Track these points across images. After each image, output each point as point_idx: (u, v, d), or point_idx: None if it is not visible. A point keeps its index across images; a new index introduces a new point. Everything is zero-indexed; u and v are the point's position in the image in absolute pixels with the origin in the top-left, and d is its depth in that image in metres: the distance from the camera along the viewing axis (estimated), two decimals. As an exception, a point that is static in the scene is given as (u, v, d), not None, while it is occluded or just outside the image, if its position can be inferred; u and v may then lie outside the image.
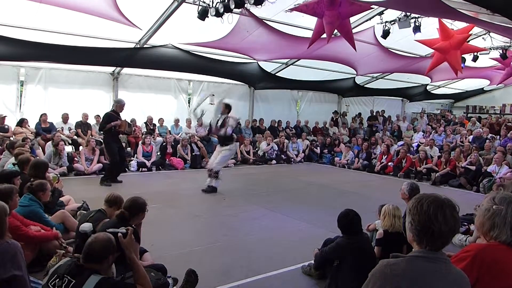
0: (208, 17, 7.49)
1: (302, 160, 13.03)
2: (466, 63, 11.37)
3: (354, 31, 8.13)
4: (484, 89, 17.83)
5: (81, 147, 9.85)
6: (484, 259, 1.89)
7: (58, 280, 2.27)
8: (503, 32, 7.50)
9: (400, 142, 13.09)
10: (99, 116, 10.40)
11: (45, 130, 9.80)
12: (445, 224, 1.65)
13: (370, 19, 9.44)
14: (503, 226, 1.94)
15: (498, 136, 12.38)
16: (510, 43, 10.44)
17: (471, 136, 12.44)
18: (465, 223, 5.18)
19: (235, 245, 4.80)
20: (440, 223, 1.65)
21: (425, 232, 1.68)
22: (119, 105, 8.28)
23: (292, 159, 12.74)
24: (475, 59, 11.40)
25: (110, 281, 2.33)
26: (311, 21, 7.49)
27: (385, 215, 3.89)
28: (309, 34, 7.93)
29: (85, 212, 4.51)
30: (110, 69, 11.19)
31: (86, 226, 3.01)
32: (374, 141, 12.79)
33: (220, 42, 9.54)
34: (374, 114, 16.94)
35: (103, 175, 8.32)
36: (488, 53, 10.98)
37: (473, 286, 1.81)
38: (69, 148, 9.86)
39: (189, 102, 13.20)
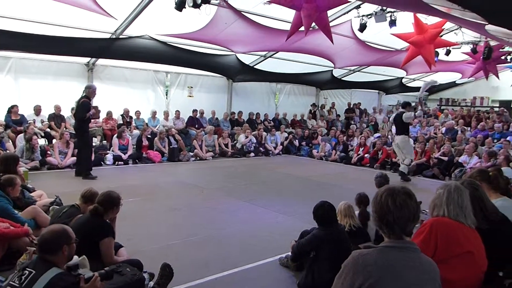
0: (185, 8, 7.36)
1: (280, 152, 13.10)
2: (439, 57, 11.69)
3: (331, 24, 8.22)
4: (456, 82, 18.33)
5: (54, 140, 9.56)
6: (438, 228, 2.31)
7: (20, 273, 2.25)
8: (474, 27, 7.71)
9: (377, 134, 13.34)
10: (59, 107, 10.21)
11: (15, 122, 9.42)
12: (398, 211, 1.73)
13: (347, 12, 9.55)
14: (440, 205, 2.44)
15: (469, 128, 12.80)
16: (480, 38, 10.76)
17: (444, 128, 12.83)
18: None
19: (213, 238, 4.79)
20: (392, 211, 1.73)
21: (382, 221, 1.77)
22: (91, 90, 8.03)
23: (270, 152, 12.79)
24: (447, 53, 11.75)
25: (65, 279, 2.25)
26: (289, 14, 7.48)
27: (339, 214, 3.94)
28: (287, 26, 7.92)
29: (58, 207, 4.38)
30: (85, 60, 10.86)
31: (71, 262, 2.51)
32: (351, 133, 12.99)
33: (198, 34, 9.40)
34: (351, 106, 17.16)
35: (84, 170, 7.91)
36: (460, 48, 11.30)
37: (434, 256, 2.01)
38: (42, 141, 9.54)
39: (166, 94, 13.01)
